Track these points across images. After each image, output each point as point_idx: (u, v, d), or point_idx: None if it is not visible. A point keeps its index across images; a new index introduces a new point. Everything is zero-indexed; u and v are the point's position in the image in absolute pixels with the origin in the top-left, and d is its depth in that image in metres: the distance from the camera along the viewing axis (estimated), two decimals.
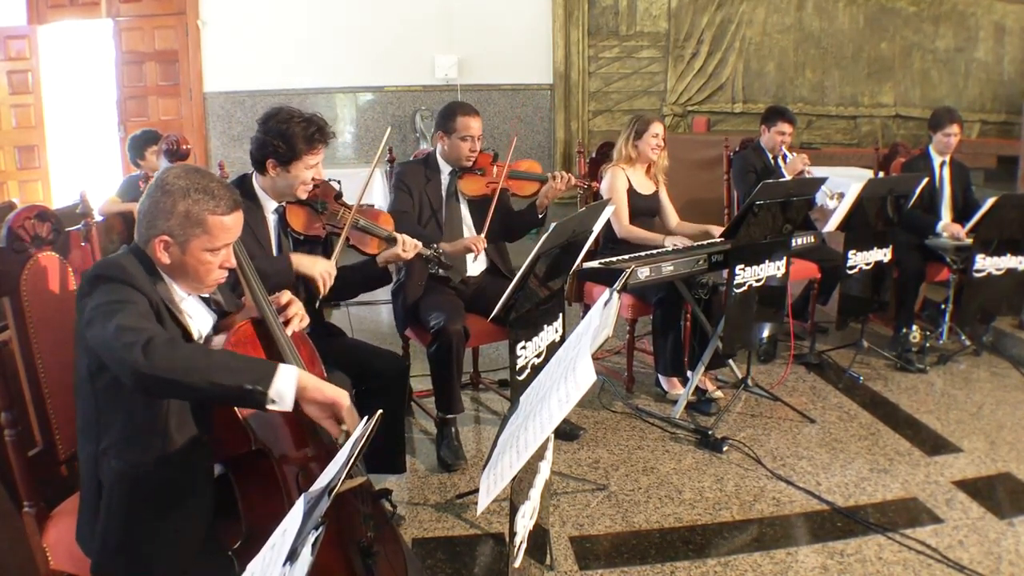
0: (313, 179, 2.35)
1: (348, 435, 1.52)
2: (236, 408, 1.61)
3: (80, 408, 1.67)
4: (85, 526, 1.67)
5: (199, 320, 1.76)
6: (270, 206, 2.41)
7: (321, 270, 2.36)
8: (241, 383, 1.46)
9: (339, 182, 2.59)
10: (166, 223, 1.63)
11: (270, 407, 1.48)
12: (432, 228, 3.07)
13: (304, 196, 2.38)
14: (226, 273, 1.73)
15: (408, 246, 2.52)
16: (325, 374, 1.92)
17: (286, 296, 1.91)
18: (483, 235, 2.97)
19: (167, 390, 1.51)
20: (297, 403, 1.51)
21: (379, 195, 5.41)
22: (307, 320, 1.90)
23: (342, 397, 1.54)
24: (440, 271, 2.72)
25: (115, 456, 1.60)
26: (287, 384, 1.48)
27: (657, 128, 3.57)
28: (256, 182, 2.41)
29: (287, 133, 2.27)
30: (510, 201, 3.25)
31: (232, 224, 1.68)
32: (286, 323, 1.85)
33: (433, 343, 2.84)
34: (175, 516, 1.61)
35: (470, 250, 2.96)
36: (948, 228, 3.99)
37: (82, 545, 1.68)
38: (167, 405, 1.61)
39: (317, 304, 2.42)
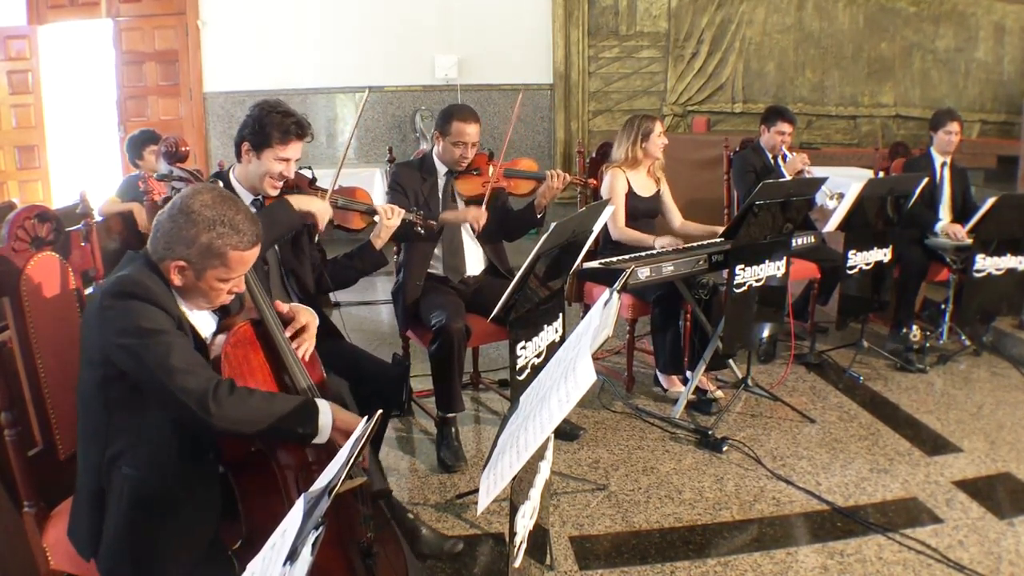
0: (282, 174, 2.37)
1: (364, 468, 1.70)
2: None
3: (85, 414, 1.67)
4: (80, 528, 1.67)
5: (203, 325, 1.78)
6: (247, 199, 2.43)
7: (318, 208, 2.46)
8: (295, 428, 1.63)
9: (310, 168, 2.65)
10: (186, 250, 1.64)
11: (313, 442, 1.65)
12: None
13: (274, 193, 2.41)
14: (232, 296, 1.75)
15: (392, 212, 2.61)
16: (325, 375, 1.92)
17: (303, 318, 1.91)
18: (483, 208, 3.00)
19: (228, 434, 1.62)
20: None
21: (379, 195, 5.42)
22: (312, 345, 1.92)
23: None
24: (422, 231, 2.75)
25: (126, 463, 1.60)
26: (326, 422, 1.66)
27: (659, 127, 3.60)
28: (233, 176, 2.45)
29: (264, 120, 2.33)
30: (508, 201, 3.25)
31: (251, 257, 1.71)
32: (293, 338, 1.85)
33: (434, 341, 2.84)
34: (184, 521, 1.62)
35: (468, 221, 2.99)
36: (948, 228, 4.00)
37: (75, 543, 1.68)
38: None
39: (317, 238, 2.60)
